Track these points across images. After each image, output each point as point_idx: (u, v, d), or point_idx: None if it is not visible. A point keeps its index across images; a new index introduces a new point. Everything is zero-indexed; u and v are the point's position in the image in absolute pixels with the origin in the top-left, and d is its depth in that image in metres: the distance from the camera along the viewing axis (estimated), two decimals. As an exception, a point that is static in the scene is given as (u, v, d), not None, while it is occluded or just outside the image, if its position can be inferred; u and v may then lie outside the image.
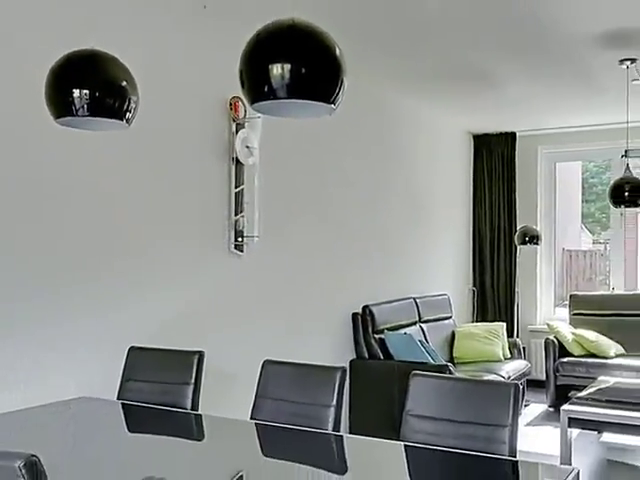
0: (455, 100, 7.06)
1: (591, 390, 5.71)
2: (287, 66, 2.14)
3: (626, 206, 5.89)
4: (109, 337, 4.16)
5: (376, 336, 6.22)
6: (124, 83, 2.75)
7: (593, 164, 15.10)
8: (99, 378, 4.05)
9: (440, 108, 7.45)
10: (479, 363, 6.83)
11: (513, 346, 7.33)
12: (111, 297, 4.20)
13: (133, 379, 3.76)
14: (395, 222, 7.10)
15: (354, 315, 6.25)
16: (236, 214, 5.07)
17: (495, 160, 8.54)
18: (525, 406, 7.09)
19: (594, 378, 6.31)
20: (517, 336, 7.99)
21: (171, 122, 4.57)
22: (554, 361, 7.16)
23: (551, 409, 6.99)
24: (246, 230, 5.14)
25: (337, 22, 4.78)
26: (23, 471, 1.77)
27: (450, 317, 7.55)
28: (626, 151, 7.06)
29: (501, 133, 8.54)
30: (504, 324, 7.41)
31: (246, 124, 5.08)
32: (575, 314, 7.83)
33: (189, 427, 3.25)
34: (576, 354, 7.17)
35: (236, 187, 5.07)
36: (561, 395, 6.87)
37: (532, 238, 7.51)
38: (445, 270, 8.14)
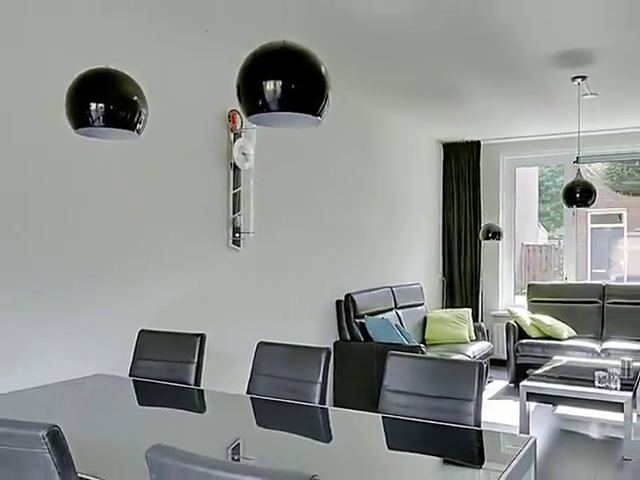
0: (427, 112, 7.04)
1: (546, 368, 5.74)
2: (279, 82, 2.14)
3: (577, 206, 5.89)
4: (122, 321, 4.15)
5: (357, 320, 6.20)
6: (135, 98, 2.75)
7: (548, 169, 15.14)
8: (113, 358, 4.03)
9: (414, 119, 7.42)
10: (448, 344, 6.83)
11: (478, 329, 7.33)
12: (124, 286, 4.19)
13: (143, 358, 3.76)
14: (374, 220, 7.08)
15: (338, 302, 6.24)
16: (234, 213, 5.05)
17: (462, 165, 8.53)
18: (488, 382, 7.09)
19: (549, 358, 6.37)
20: (481, 320, 8.00)
21: (176, 132, 4.54)
22: (514, 343, 7.16)
23: (511, 385, 6.98)
24: (243, 227, 5.12)
25: (323, 44, 4.77)
26: (46, 439, 1.78)
27: (422, 304, 7.54)
28: (577, 158, 7.06)
29: (467, 142, 8.52)
30: (470, 310, 7.41)
31: (243, 134, 5.05)
32: (532, 301, 7.84)
33: (192, 401, 3.24)
34: (533, 336, 7.18)
35: (234, 189, 5.05)
36: (520, 373, 6.87)
37: (495, 234, 7.52)
38: (418, 262, 8.12)
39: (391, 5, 4.02)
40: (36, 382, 3.55)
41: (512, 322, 7.31)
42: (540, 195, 17.05)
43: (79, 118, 2.65)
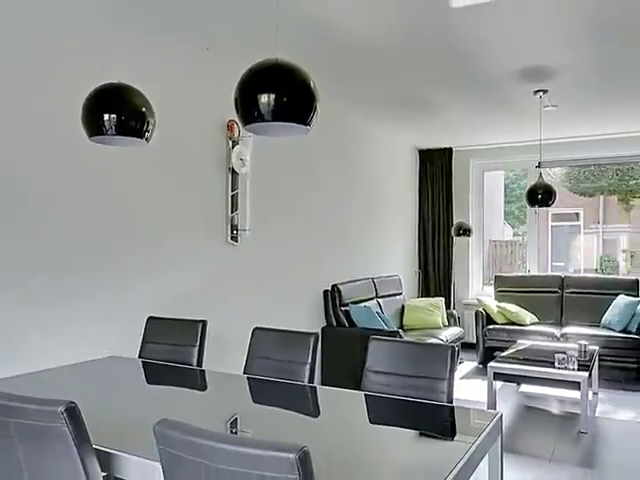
0: (404, 122, 7.02)
1: (511, 351, 5.76)
2: (272, 96, 2.14)
3: (539, 206, 5.90)
4: (132, 309, 4.12)
5: (342, 308, 6.20)
6: (144, 109, 2.74)
7: (513, 173, 15.17)
8: (124, 342, 4.02)
9: (392, 128, 7.41)
10: (423, 329, 6.84)
11: (450, 316, 7.36)
12: (134, 278, 4.16)
13: (151, 342, 3.72)
14: (357, 218, 7.07)
15: (325, 292, 6.24)
16: (232, 212, 5.00)
17: (436, 170, 8.51)
18: (459, 363, 7.10)
19: (514, 341, 6.39)
20: (453, 308, 8.02)
21: (180, 140, 4.51)
22: (482, 328, 7.16)
23: (480, 366, 6.99)
24: (240, 225, 5.08)
25: (311, 61, 4.77)
26: (64, 414, 1.78)
27: (401, 293, 7.53)
28: (539, 163, 7.10)
29: (441, 148, 8.51)
30: (443, 299, 7.40)
31: (240, 141, 5.01)
32: (499, 291, 7.84)
33: (195, 380, 3.22)
34: (500, 322, 7.19)
35: (232, 191, 5.00)
36: (488, 355, 6.83)
37: (465, 231, 7.51)
38: (396, 256, 8.11)
39: (372, 25, 4.02)
40: (52, 363, 3.54)
41: (481, 310, 7.30)
42: (505, 196, 17.12)
43: (94, 127, 2.63)
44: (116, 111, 2.63)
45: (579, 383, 4.89)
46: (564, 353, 5.26)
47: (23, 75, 3.37)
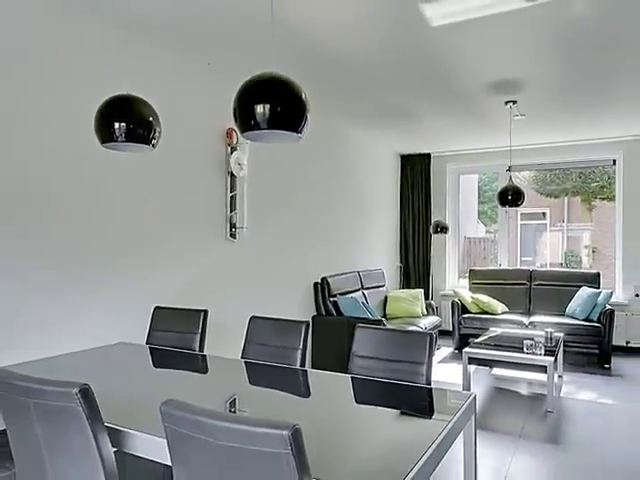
0: (387, 130, 7.01)
1: (484, 337, 5.78)
2: (267, 106, 2.14)
3: (510, 206, 5.89)
4: (140, 300, 4.10)
5: (331, 299, 6.19)
6: (150, 118, 2.74)
7: (486, 176, 15.23)
8: (133, 329, 4.01)
9: (376, 136, 7.40)
10: (404, 318, 6.84)
11: (429, 306, 7.36)
12: (142, 272, 4.13)
13: (157, 330, 3.72)
14: (345, 216, 7.06)
15: (315, 284, 6.22)
16: (231, 211, 4.97)
17: (416, 173, 8.50)
18: (437, 349, 7.13)
19: (487, 329, 6.44)
20: (431, 299, 8.05)
21: (183, 146, 4.49)
22: (458, 317, 7.18)
23: (456, 351, 7.02)
24: (238, 223, 5.05)
25: (303, 75, 4.77)
26: (78, 395, 1.78)
27: (384, 285, 7.51)
28: (509, 167, 7.14)
29: (420, 154, 8.51)
30: (422, 290, 7.39)
31: (238, 147, 4.99)
32: (473, 283, 7.85)
33: (197, 364, 3.22)
34: (474, 312, 7.21)
35: (230, 192, 4.97)
36: (463, 341, 6.92)
37: (442, 229, 7.49)
38: (380, 251, 8.11)
39: (357, 42, 4.02)
40: (68, 349, 3.54)
41: (456, 300, 7.30)
42: (479, 197, 17.16)
43: (105, 134, 2.62)
44: (125, 120, 2.63)
45: (546, 367, 4.91)
46: (532, 339, 5.29)
47: (42, 88, 3.35)
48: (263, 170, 5.40)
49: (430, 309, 7.33)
